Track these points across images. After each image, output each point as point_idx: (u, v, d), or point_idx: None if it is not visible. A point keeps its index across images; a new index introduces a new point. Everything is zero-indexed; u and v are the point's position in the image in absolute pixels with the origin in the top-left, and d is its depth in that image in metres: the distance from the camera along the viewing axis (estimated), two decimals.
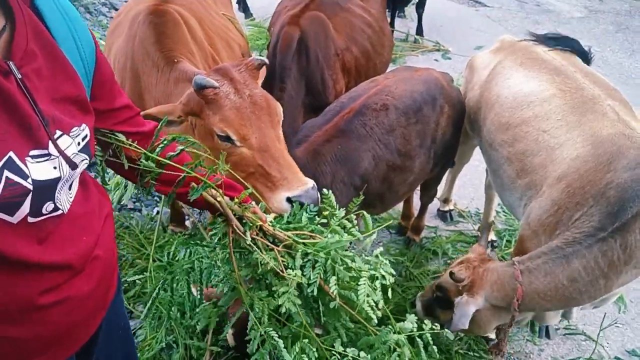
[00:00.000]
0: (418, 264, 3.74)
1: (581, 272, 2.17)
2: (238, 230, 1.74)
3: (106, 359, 1.69)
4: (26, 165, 1.18)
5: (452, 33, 7.82)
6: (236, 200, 1.76)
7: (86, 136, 1.34)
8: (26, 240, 1.24)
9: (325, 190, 2.02)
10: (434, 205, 4.39)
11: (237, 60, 3.49)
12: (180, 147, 1.62)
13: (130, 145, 1.55)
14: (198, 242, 2.19)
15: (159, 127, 1.66)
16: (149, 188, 1.67)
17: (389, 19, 7.27)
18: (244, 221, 1.76)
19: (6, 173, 1.14)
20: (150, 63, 2.66)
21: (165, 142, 1.60)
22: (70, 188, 1.34)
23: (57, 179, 1.25)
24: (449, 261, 3.77)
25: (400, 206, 4.06)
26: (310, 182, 2.14)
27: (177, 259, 2.93)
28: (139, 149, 1.56)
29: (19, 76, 1.17)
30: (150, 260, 2.89)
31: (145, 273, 2.79)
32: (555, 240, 2.27)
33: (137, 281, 2.88)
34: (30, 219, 1.23)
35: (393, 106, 2.74)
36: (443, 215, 4.31)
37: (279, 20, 3.63)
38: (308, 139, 2.60)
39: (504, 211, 4.38)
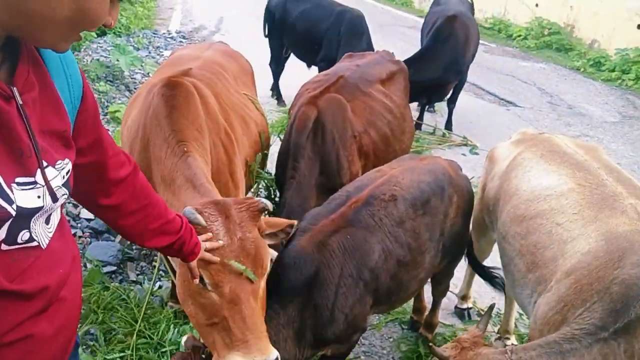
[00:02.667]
0: None
1: None
2: None
3: None
4: (12, 191, 1.18)
5: (481, 130, 7.80)
6: None
7: (69, 171, 1.35)
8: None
9: None
10: (452, 301, 4.14)
11: (255, 137, 3.49)
12: None
13: None
14: None
15: None
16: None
17: (418, 112, 7.40)
18: None
19: None
20: (161, 136, 2.65)
21: None
22: (47, 222, 1.34)
23: (39, 209, 1.26)
24: None
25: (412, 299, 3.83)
26: (273, 355, 1.90)
27: (165, 338, 2.77)
28: None
29: (20, 102, 1.19)
30: (134, 337, 2.71)
31: (127, 351, 2.61)
32: (555, 333, 2.08)
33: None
34: (4, 247, 1.22)
35: (402, 197, 2.62)
36: (461, 313, 4.03)
37: (299, 101, 3.65)
38: (313, 227, 2.46)
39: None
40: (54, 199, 1.29)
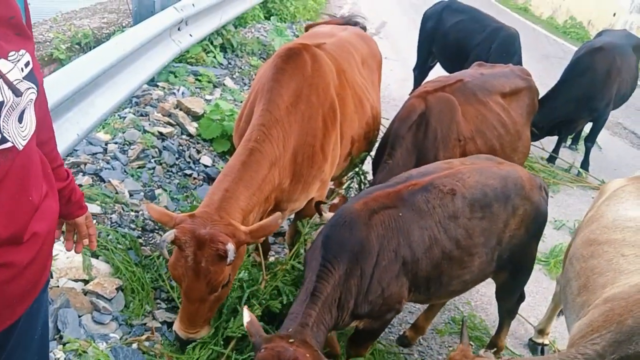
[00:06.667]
0: None
1: None
2: None
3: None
4: None
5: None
6: None
7: (28, 62, 1.27)
8: None
9: None
10: (529, 333, 3.95)
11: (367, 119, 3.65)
12: None
13: None
14: None
15: None
16: None
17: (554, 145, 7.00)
18: None
19: None
20: (258, 107, 2.96)
21: None
22: (20, 121, 1.26)
23: (0, 104, 1.19)
24: None
25: (491, 322, 3.72)
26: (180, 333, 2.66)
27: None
28: None
29: None
30: None
31: None
32: (558, 353, 2.06)
33: None
34: None
35: (461, 194, 2.62)
36: (534, 347, 3.81)
37: (411, 95, 3.73)
38: (369, 195, 2.57)
39: None
40: (17, 93, 1.21)
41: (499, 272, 2.92)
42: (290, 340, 2.09)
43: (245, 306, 2.26)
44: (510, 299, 3.27)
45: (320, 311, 2.24)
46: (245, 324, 2.12)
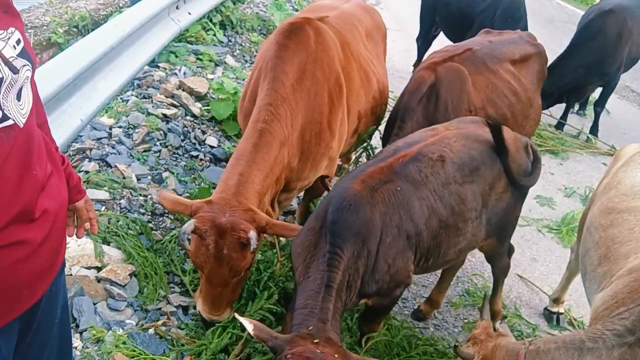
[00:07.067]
0: None
1: None
2: None
3: (39, 347, 1.62)
4: None
5: (635, 142, 7.06)
6: None
7: (19, 40, 1.29)
8: None
9: None
10: (544, 302, 3.93)
11: (373, 93, 3.58)
12: None
13: None
14: None
15: None
16: None
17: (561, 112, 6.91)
18: None
19: None
20: (263, 86, 2.89)
21: None
22: (19, 98, 1.29)
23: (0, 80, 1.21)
24: None
25: (505, 293, 3.69)
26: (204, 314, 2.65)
27: None
28: None
29: None
30: None
31: None
32: (584, 329, 2.04)
33: None
34: None
35: (450, 160, 2.57)
36: (549, 316, 3.81)
37: (419, 66, 3.64)
38: (363, 173, 2.47)
39: None
40: (13, 70, 1.23)
41: (487, 238, 2.88)
42: (315, 341, 1.99)
43: (236, 314, 2.14)
44: (502, 258, 3.29)
45: (335, 302, 2.17)
46: (252, 332, 1.98)
